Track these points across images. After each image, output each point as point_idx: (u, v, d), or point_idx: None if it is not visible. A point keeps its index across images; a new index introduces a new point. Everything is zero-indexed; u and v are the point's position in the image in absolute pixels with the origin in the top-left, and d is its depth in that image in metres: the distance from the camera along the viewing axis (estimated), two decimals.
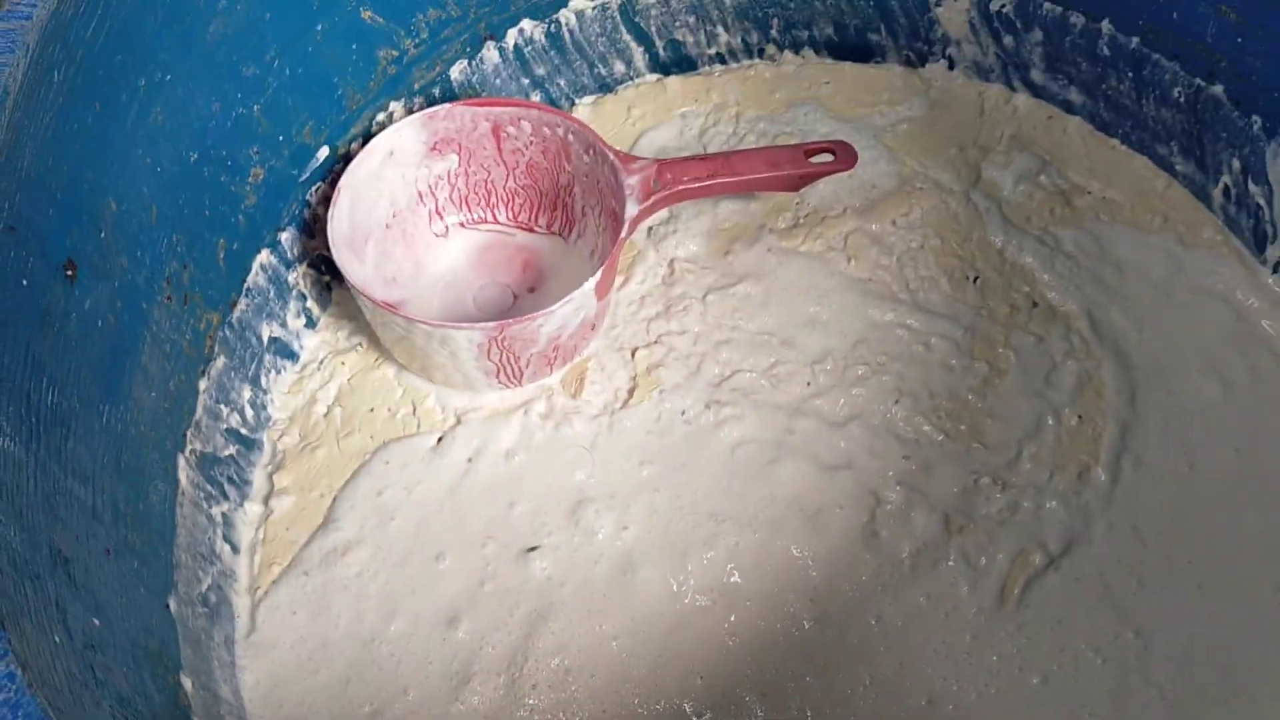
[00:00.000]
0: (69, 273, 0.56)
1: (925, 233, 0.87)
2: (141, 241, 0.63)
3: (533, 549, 0.76)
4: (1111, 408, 0.77)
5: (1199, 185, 0.84)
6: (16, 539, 0.49)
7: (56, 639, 0.47)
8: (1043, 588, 0.70)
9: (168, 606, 0.65)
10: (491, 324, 0.75)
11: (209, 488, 0.74)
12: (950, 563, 0.72)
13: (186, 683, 0.63)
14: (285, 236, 0.81)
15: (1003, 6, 0.89)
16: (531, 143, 0.86)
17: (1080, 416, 0.77)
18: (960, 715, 0.67)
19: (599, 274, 0.77)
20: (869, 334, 0.82)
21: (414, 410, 0.83)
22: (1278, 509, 0.71)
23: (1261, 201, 0.79)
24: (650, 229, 0.90)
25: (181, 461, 0.70)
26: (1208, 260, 0.82)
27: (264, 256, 0.79)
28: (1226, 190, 0.82)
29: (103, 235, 0.60)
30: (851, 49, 0.97)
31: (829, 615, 0.71)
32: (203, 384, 0.74)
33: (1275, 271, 0.80)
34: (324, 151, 0.81)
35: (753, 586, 0.73)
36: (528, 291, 0.87)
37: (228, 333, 0.76)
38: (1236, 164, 0.80)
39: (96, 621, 0.53)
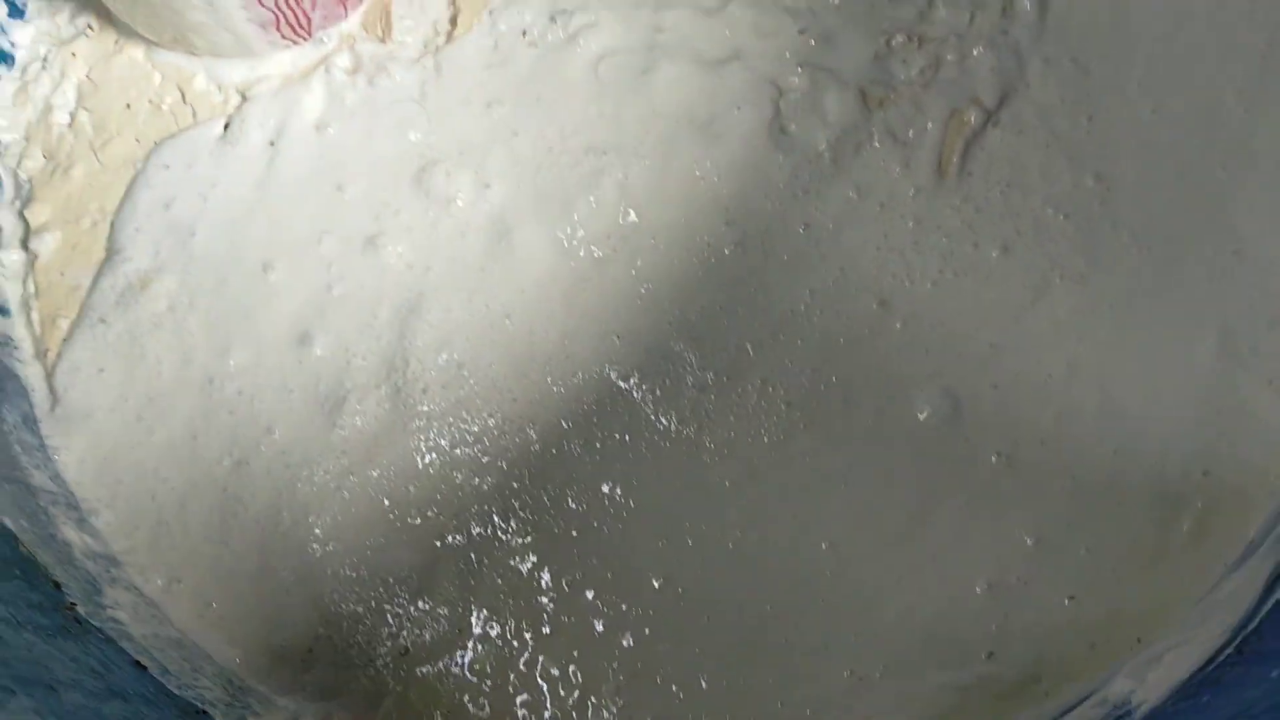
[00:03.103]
0: None
1: None
2: None
3: (379, 235, 0.61)
4: None
5: None
6: None
7: None
8: (984, 149, 0.60)
9: None
10: None
11: None
12: (875, 144, 0.61)
13: None
14: None
15: None
16: None
17: None
18: (916, 310, 0.58)
19: None
20: None
21: (183, 97, 0.65)
22: (1228, 2, 0.61)
23: None
24: None
25: None
26: None
27: None
28: None
29: None
30: None
31: (750, 235, 0.60)
32: None
33: None
34: None
35: (655, 221, 0.61)
36: None
37: None
38: None
39: None
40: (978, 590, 0.54)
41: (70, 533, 0.54)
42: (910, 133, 0.61)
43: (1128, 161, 0.59)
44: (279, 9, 0.60)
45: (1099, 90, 0.61)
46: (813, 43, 0.63)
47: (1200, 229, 0.58)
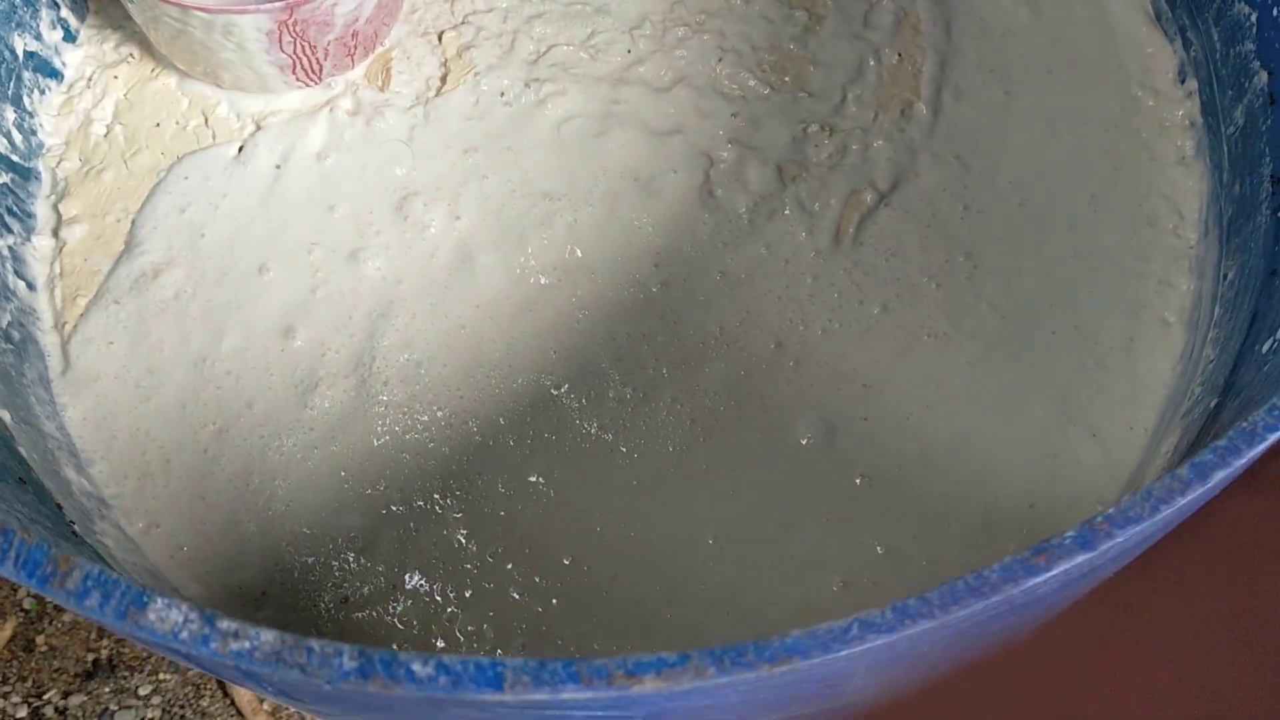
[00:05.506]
0: None
1: None
2: None
3: (361, 250, 0.72)
4: (929, 41, 0.77)
5: None
6: None
7: None
8: (875, 224, 0.72)
9: None
10: (279, 4, 0.67)
11: None
12: (787, 212, 0.72)
13: (4, 414, 0.58)
14: None
15: None
16: None
17: (900, 54, 0.77)
18: (807, 352, 0.69)
19: None
20: None
21: (206, 121, 0.76)
22: (1087, 125, 0.74)
23: None
24: None
25: None
26: None
27: None
28: None
29: None
30: None
31: (674, 277, 0.71)
32: None
33: None
34: None
35: (595, 259, 0.72)
36: None
37: None
38: None
39: None
40: (834, 588, 0.64)
41: (70, 473, 0.63)
42: (816, 205, 0.72)
43: (995, 245, 0.71)
44: (295, 55, 0.72)
45: (976, 184, 0.73)
46: (742, 124, 0.75)
47: (1050, 306, 0.69)
